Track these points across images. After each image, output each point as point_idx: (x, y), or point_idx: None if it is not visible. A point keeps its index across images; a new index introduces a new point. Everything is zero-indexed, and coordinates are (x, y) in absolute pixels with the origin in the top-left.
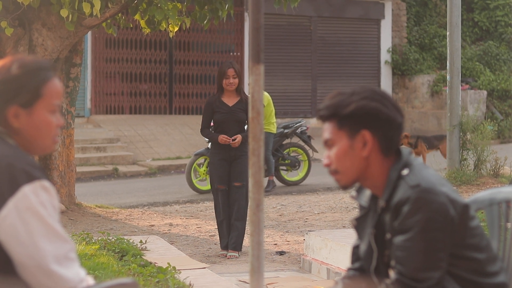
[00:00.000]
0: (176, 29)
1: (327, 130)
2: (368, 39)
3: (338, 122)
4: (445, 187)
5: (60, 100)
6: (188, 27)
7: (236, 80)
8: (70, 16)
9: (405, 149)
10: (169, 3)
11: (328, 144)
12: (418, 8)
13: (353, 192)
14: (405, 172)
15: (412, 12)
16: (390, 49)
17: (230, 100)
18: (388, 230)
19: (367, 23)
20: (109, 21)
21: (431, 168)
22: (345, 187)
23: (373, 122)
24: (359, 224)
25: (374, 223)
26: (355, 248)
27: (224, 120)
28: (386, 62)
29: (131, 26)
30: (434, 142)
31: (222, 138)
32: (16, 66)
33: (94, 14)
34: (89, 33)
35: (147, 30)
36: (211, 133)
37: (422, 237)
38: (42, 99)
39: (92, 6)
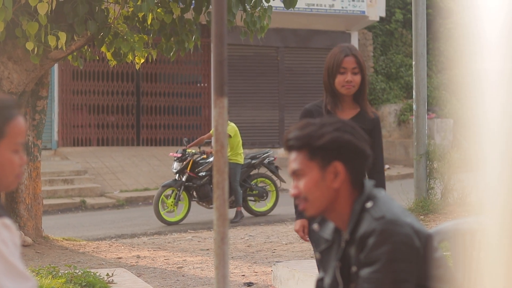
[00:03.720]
0: (143, 61)
1: (296, 160)
2: None
3: (310, 153)
4: (409, 218)
5: (24, 139)
6: (154, 59)
7: (358, 78)
8: (36, 49)
9: (368, 181)
10: (135, 35)
11: (296, 174)
12: (384, 38)
13: (315, 225)
14: (369, 204)
15: (378, 41)
16: None
17: (344, 112)
18: (353, 263)
19: None
20: (75, 53)
21: (394, 200)
22: (310, 217)
23: (345, 154)
24: (323, 257)
25: (339, 256)
26: (319, 281)
27: None
28: None
29: (97, 58)
30: None
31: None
32: None
33: (60, 47)
34: (56, 66)
35: (113, 62)
36: None
37: (389, 268)
38: (5, 139)
39: (58, 39)
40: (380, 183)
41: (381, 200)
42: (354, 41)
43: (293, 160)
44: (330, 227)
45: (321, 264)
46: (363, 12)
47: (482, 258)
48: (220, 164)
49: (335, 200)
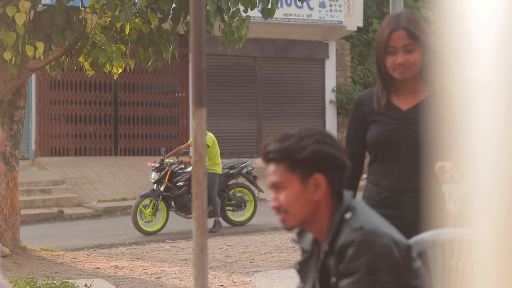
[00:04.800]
0: (120, 71)
1: (275, 173)
2: (312, 79)
3: (290, 165)
4: (388, 229)
5: (2, 149)
6: (132, 69)
7: (414, 57)
8: (14, 59)
9: (347, 192)
10: (113, 45)
11: (276, 186)
12: (362, 48)
13: (294, 235)
14: (348, 215)
15: (356, 51)
16: (335, 89)
17: (403, 100)
18: (333, 274)
19: (311, 63)
20: (53, 63)
21: (373, 211)
22: (290, 229)
23: (326, 166)
24: (302, 268)
25: (319, 267)
26: None
27: (389, 142)
28: (331, 101)
29: (75, 68)
30: None
31: None
32: None
33: (38, 56)
34: (33, 75)
35: (91, 72)
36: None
37: (368, 279)
38: None
39: (36, 48)
40: None
41: (360, 210)
42: (332, 51)
43: (273, 172)
44: (309, 237)
45: (301, 275)
46: (341, 22)
47: (466, 269)
48: (199, 175)
49: (315, 212)
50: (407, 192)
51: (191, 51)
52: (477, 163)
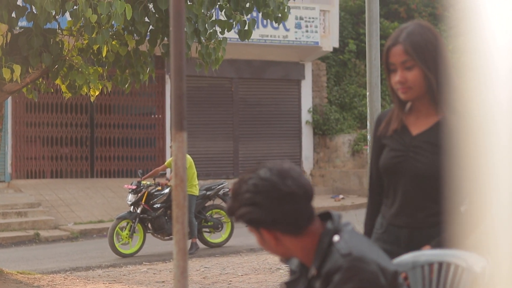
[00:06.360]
0: (97, 93)
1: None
2: (289, 100)
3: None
4: (376, 255)
5: None
6: (109, 91)
7: (414, 74)
8: None
9: (335, 213)
10: (90, 67)
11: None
12: (338, 68)
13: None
14: (336, 238)
15: (332, 72)
16: (311, 109)
17: (416, 123)
18: None
19: (287, 84)
20: (29, 86)
21: (361, 234)
22: (281, 261)
23: (263, 223)
24: None
25: None
26: None
27: (392, 171)
28: (307, 122)
29: (52, 90)
30: None
31: None
32: None
33: (15, 79)
34: (10, 98)
35: (68, 95)
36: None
37: None
38: None
39: (12, 71)
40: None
41: (348, 234)
42: (308, 72)
43: None
44: (296, 259)
45: None
46: (317, 43)
47: None
48: (179, 199)
49: (288, 251)
50: (403, 228)
51: (172, 75)
52: (497, 192)
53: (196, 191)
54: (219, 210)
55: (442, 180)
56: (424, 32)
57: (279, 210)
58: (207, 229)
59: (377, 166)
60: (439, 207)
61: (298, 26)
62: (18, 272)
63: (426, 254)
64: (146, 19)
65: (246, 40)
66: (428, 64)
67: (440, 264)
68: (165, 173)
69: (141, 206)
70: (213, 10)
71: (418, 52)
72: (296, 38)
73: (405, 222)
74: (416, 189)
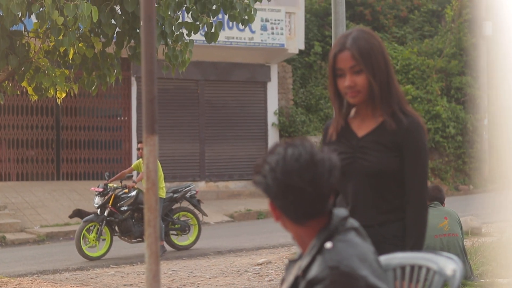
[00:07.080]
0: (64, 95)
1: None
2: (255, 102)
3: None
4: (368, 270)
5: None
6: (76, 93)
7: (362, 79)
8: None
9: (339, 212)
10: (56, 69)
11: None
12: (304, 71)
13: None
14: (328, 245)
15: (297, 74)
16: (277, 111)
17: (361, 125)
18: None
19: (253, 86)
20: None
21: (361, 243)
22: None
23: (272, 195)
24: (289, 267)
25: (290, 284)
26: None
27: (344, 171)
28: (273, 124)
29: (18, 93)
30: None
31: None
32: None
33: None
34: None
35: (34, 97)
36: None
37: None
38: None
39: None
40: (413, 218)
41: (344, 243)
42: (274, 74)
43: None
44: None
45: (286, 272)
46: (283, 45)
47: None
48: (151, 202)
49: (295, 232)
50: None
51: (143, 79)
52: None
53: (163, 194)
54: (186, 213)
55: (391, 178)
56: (368, 38)
57: (281, 197)
58: (174, 232)
59: None
60: (389, 205)
61: (264, 28)
62: None
63: (398, 257)
64: (113, 21)
65: (213, 42)
66: (373, 68)
67: (412, 267)
68: (132, 176)
69: (108, 209)
70: (180, 12)
71: (365, 57)
72: (262, 40)
73: (358, 221)
74: (366, 188)
